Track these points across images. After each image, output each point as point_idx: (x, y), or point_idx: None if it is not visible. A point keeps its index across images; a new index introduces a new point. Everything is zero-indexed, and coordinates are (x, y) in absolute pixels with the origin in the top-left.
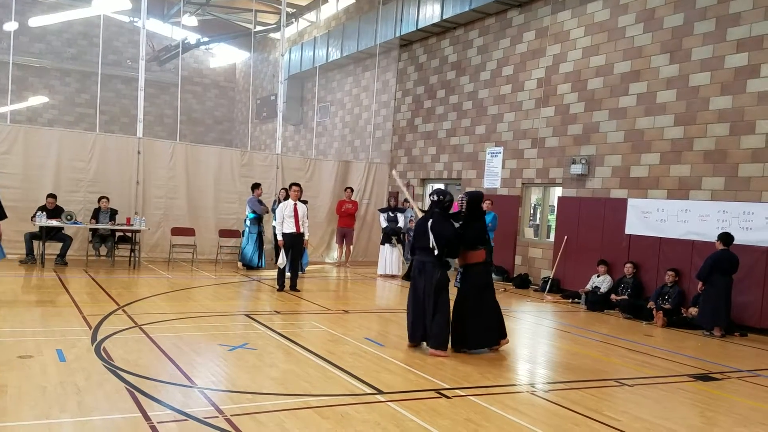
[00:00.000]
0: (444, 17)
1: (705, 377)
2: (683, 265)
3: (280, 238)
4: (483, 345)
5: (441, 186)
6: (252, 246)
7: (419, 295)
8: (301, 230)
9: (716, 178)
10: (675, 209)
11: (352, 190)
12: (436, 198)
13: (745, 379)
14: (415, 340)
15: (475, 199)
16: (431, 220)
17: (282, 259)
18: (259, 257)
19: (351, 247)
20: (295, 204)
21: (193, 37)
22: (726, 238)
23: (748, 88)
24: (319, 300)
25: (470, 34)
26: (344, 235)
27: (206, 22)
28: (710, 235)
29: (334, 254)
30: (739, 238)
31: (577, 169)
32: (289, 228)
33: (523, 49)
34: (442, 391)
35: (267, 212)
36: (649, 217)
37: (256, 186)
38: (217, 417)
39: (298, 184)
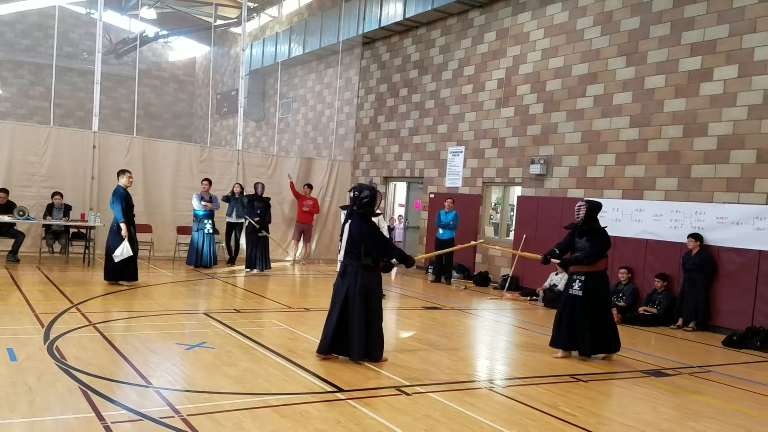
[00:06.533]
0: (406, 16)
1: (658, 373)
2: (637, 263)
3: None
4: (605, 351)
5: (403, 185)
6: (202, 244)
7: (340, 301)
8: None
9: (670, 179)
10: (629, 209)
11: (311, 188)
12: (352, 195)
13: (696, 375)
14: (324, 352)
15: (595, 208)
16: (350, 222)
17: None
18: (211, 255)
19: (308, 244)
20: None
21: (151, 30)
22: (699, 237)
23: (701, 91)
24: (280, 298)
25: (432, 34)
26: (302, 231)
27: (165, 15)
28: (663, 234)
29: (296, 252)
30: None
31: (535, 169)
32: None
33: (484, 49)
34: (402, 388)
35: (218, 208)
36: (605, 217)
37: (203, 181)
38: (173, 417)
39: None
